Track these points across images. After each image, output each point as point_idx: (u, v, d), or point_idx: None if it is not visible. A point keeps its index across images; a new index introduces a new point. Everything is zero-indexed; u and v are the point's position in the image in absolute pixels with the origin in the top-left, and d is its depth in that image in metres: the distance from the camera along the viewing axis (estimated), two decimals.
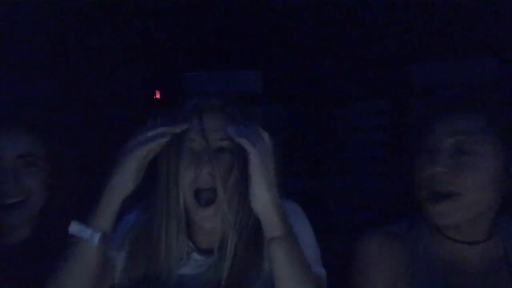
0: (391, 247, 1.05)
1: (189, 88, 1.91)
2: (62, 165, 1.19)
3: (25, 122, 1.17)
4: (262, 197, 0.90)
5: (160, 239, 1.01)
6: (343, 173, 2.08)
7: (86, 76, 2.19)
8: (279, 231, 0.91)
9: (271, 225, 0.91)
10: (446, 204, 0.95)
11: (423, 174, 0.98)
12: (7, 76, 1.85)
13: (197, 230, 1.07)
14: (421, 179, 0.99)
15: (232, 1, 2.50)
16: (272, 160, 0.92)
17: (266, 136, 0.93)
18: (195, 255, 1.05)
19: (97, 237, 0.93)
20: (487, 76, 1.76)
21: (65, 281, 0.95)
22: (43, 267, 1.06)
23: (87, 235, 0.93)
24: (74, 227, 0.94)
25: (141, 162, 0.95)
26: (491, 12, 1.97)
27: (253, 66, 2.17)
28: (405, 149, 1.08)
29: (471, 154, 0.96)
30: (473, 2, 2.06)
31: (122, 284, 1.04)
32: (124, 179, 0.94)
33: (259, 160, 0.89)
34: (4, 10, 1.95)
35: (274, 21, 2.49)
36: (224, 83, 1.94)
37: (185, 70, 2.04)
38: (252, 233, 1.02)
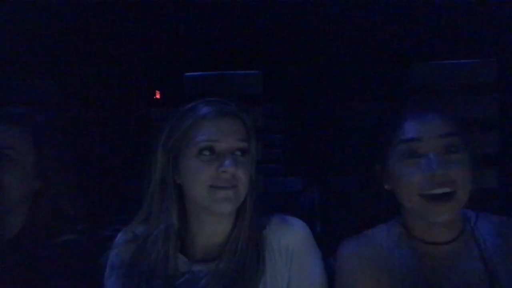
0: (368, 254, 1.07)
1: (189, 89, 1.91)
2: (51, 164, 1.19)
3: (9, 115, 1.18)
4: None
5: (157, 257, 1.03)
6: (343, 172, 2.09)
7: (85, 76, 2.19)
8: None
9: None
10: (446, 203, 0.99)
11: (417, 176, 1.01)
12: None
13: (191, 244, 1.08)
14: (414, 182, 1.01)
15: (233, 1, 2.50)
16: None
17: None
18: (191, 267, 1.05)
19: None
20: (487, 76, 1.75)
21: None
22: (31, 264, 1.07)
23: None
24: None
25: None
26: (491, 12, 1.98)
27: (253, 66, 2.18)
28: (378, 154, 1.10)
29: (458, 152, 1.02)
30: (473, 3, 2.06)
31: None
32: None
33: None
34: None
35: (274, 21, 2.49)
36: (224, 83, 1.94)
37: (186, 70, 2.04)
38: (252, 238, 1.04)
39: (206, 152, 1.02)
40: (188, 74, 1.94)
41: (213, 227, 1.06)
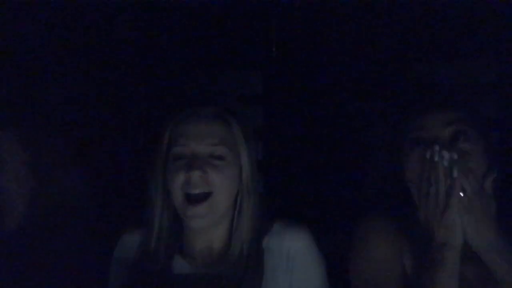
0: (391, 228, 1.06)
1: (190, 88, 1.91)
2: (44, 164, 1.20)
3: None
4: None
5: (156, 258, 1.02)
6: (343, 173, 2.08)
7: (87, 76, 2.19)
8: None
9: None
10: None
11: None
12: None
13: (189, 248, 1.07)
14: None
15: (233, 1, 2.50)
16: None
17: None
18: (191, 270, 1.04)
19: None
20: (487, 76, 1.76)
21: None
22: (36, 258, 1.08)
23: None
24: None
25: None
26: (491, 12, 1.97)
27: (254, 66, 2.17)
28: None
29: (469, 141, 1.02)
30: (473, 2, 2.06)
31: None
32: None
33: None
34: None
35: (274, 21, 2.49)
36: (224, 83, 1.94)
37: (185, 70, 2.04)
38: (253, 244, 1.03)
39: (178, 158, 1.01)
40: (188, 73, 1.94)
41: (208, 233, 1.05)
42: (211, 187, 0.99)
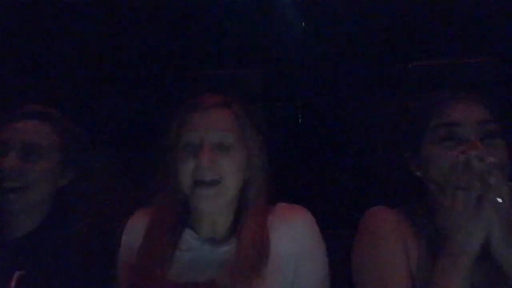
0: (397, 220, 1.05)
1: (191, 87, 1.92)
2: (77, 164, 1.21)
3: (40, 113, 1.19)
4: None
5: (165, 229, 1.03)
6: (343, 171, 2.09)
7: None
8: None
9: None
10: None
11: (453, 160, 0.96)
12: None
13: (198, 220, 1.07)
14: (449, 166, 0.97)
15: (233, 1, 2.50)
16: None
17: None
18: (199, 244, 1.06)
19: None
20: (487, 76, 1.76)
21: None
22: (48, 260, 1.08)
23: None
24: None
25: None
26: (491, 11, 1.98)
27: (253, 65, 2.18)
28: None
29: (496, 139, 0.99)
30: (473, 2, 2.07)
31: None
32: None
33: None
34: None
35: (275, 21, 2.49)
36: (224, 83, 1.95)
37: (186, 69, 2.05)
38: (257, 229, 1.03)
39: (187, 146, 1.02)
40: (189, 72, 1.95)
41: (214, 218, 1.06)
42: (220, 175, 1.00)
